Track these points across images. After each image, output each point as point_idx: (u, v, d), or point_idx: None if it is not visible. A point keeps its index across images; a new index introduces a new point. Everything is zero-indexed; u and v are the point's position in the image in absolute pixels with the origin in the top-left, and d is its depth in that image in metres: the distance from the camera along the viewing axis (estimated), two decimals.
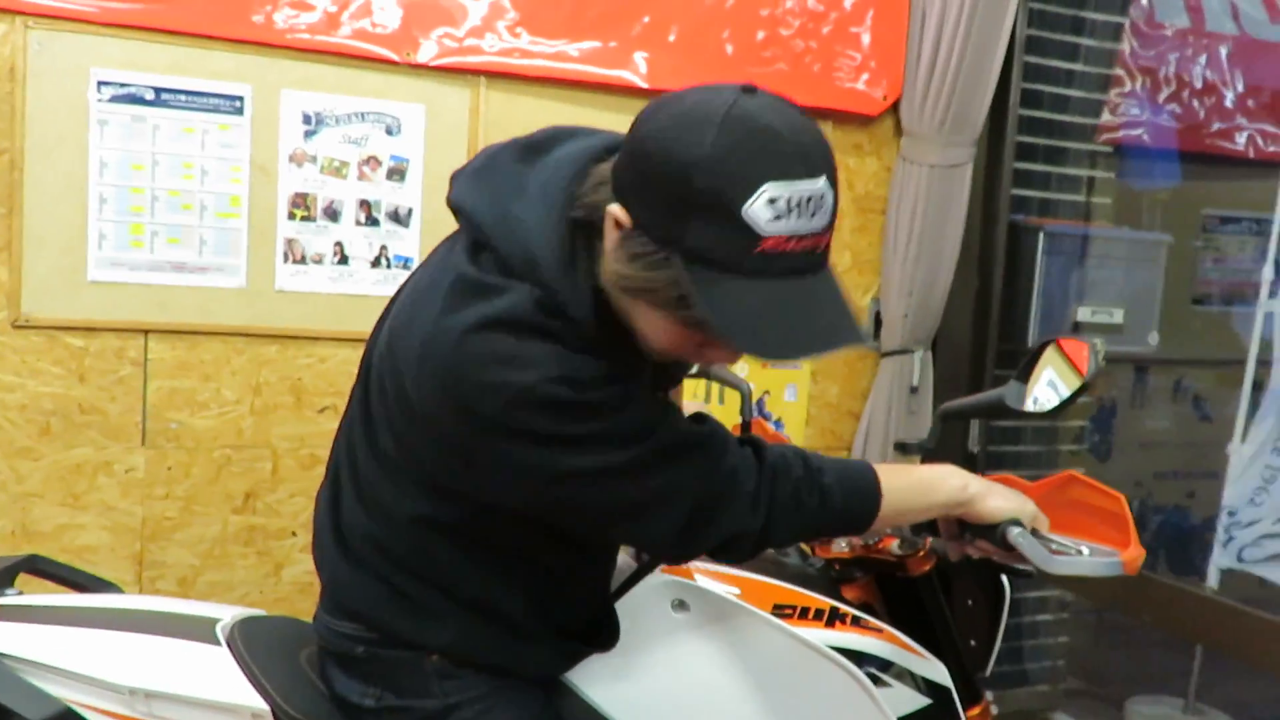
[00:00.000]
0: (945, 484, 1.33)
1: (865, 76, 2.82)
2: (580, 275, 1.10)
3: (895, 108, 2.88)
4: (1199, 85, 3.16)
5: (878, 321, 2.95)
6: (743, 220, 0.96)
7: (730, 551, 1.21)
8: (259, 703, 1.28)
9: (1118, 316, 2.98)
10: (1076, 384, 1.48)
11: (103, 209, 2.30)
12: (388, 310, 1.28)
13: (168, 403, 2.38)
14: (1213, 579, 2.74)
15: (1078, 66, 3.08)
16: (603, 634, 1.38)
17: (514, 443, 1.09)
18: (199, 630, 1.33)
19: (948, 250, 2.84)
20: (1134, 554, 1.40)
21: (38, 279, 2.26)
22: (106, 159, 2.29)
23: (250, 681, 1.29)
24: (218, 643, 1.32)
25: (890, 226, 2.89)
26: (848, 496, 1.23)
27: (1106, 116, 3.16)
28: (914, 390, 2.89)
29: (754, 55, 2.68)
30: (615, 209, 1.04)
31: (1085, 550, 1.39)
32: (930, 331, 2.90)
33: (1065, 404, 1.47)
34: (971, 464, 2.91)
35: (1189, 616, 2.54)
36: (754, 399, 2.12)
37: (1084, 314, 2.95)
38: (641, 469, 1.12)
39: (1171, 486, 3.47)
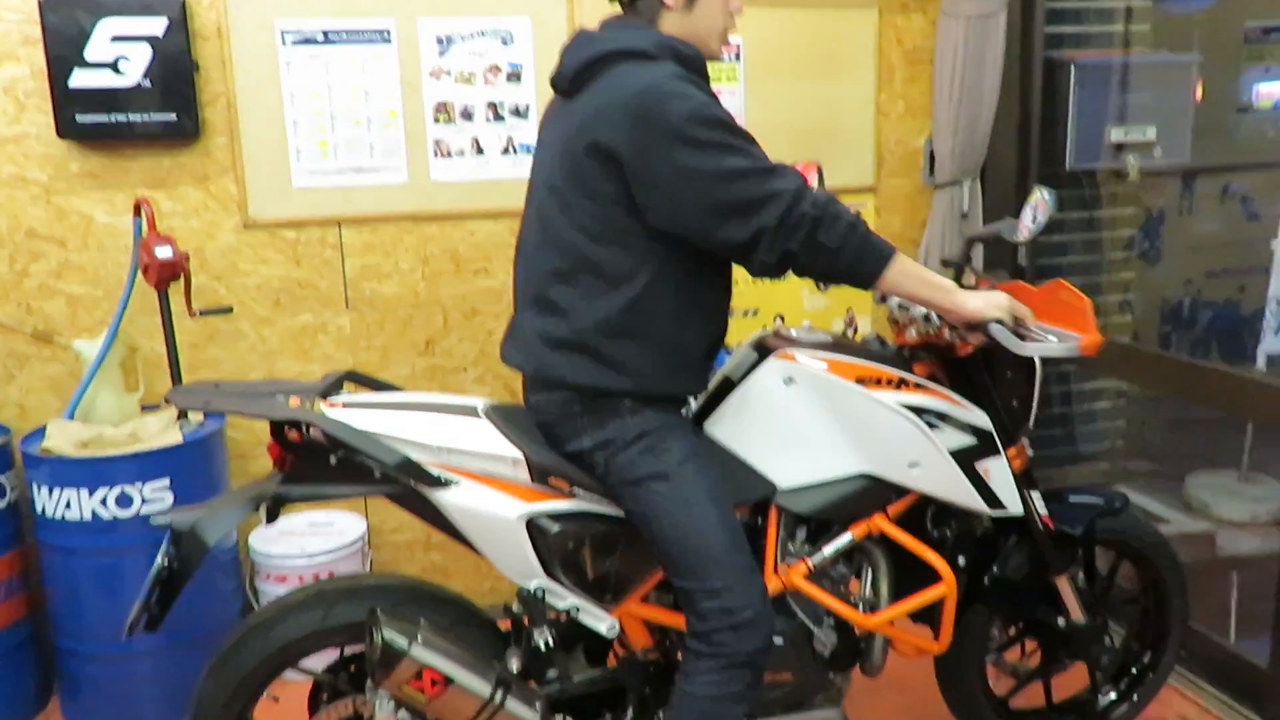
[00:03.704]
0: (940, 284, 1.88)
1: None
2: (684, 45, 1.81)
3: None
4: None
5: (931, 159, 3.41)
6: None
7: (796, 255, 1.74)
8: (516, 453, 1.84)
9: (1150, 134, 3.33)
10: (1045, 220, 2.02)
11: (296, 130, 2.98)
12: (532, 180, 1.94)
13: (361, 276, 3.10)
14: (1261, 362, 3.11)
15: None
16: (721, 344, 2.00)
17: (687, 149, 1.68)
18: (467, 411, 1.93)
19: (987, 91, 3.26)
20: (1091, 340, 1.93)
21: (258, 190, 2.97)
22: (295, 91, 2.95)
23: (507, 439, 1.85)
24: (480, 418, 1.92)
25: (936, 75, 3.32)
26: (866, 249, 1.77)
27: None
28: (964, 216, 3.36)
29: None
30: None
31: (1055, 337, 1.93)
32: (977, 164, 3.35)
33: (1037, 233, 2.03)
34: (1021, 276, 3.38)
35: (1240, 397, 2.74)
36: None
37: (1117, 135, 3.31)
38: (761, 172, 1.71)
39: (1222, 284, 3.81)
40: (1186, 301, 3.81)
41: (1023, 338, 1.91)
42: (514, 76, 3.09)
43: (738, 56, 3.24)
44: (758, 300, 3.38)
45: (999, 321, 1.88)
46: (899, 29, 3.35)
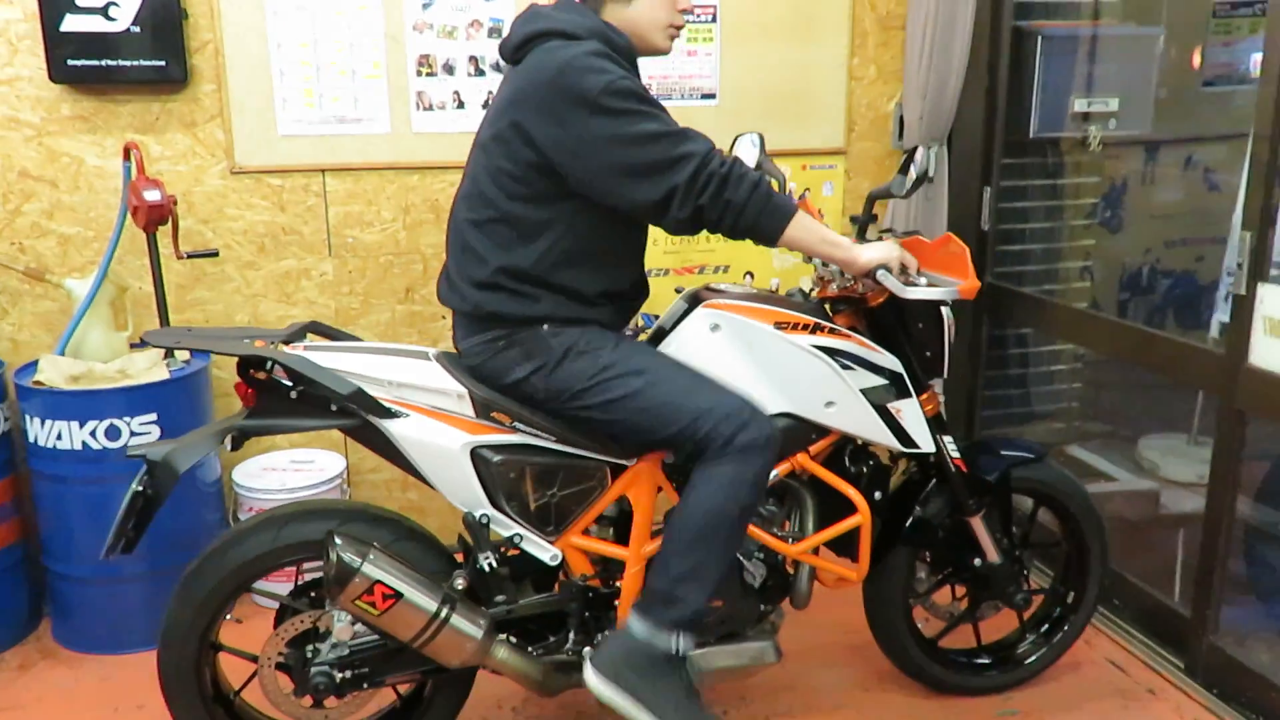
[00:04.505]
0: (836, 240, 2.06)
1: None
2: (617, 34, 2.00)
3: None
4: None
5: (901, 124, 3.51)
6: None
7: (701, 213, 1.92)
8: (461, 389, 2.02)
9: (1113, 105, 3.43)
10: (920, 174, 2.20)
11: (283, 80, 3.07)
12: (478, 138, 2.10)
13: (344, 223, 3.21)
14: (1214, 330, 3.24)
15: None
16: (640, 295, 2.19)
17: (602, 117, 1.85)
18: (418, 355, 2.10)
19: (956, 57, 3.34)
20: (969, 285, 2.11)
21: (244, 137, 3.07)
22: (281, 41, 3.04)
23: (453, 377, 2.04)
24: (430, 361, 2.08)
25: (908, 40, 3.40)
26: (769, 206, 1.94)
27: None
28: (930, 180, 3.46)
29: None
30: None
31: (938, 284, 2.11)
32: (944, 129, 3.44)
33: (914, 186, 2.21)
34: (982, 239, 3.50)
35: (1186, 364, 2.85)
36: (797, 195, 2.79)
37: (1081, 105, 3.41)
38: (673, 136, 1.89)
39: (1181, 253, 3.92)
40: (1145, 270, 3.93)
41: (908, 284, 2.10)
42: (495, 32, 3.18)
43: (714, 19, 3.32)
44: (728, 258, 3.50)
45: (886, 269, 2.06)
46: None
